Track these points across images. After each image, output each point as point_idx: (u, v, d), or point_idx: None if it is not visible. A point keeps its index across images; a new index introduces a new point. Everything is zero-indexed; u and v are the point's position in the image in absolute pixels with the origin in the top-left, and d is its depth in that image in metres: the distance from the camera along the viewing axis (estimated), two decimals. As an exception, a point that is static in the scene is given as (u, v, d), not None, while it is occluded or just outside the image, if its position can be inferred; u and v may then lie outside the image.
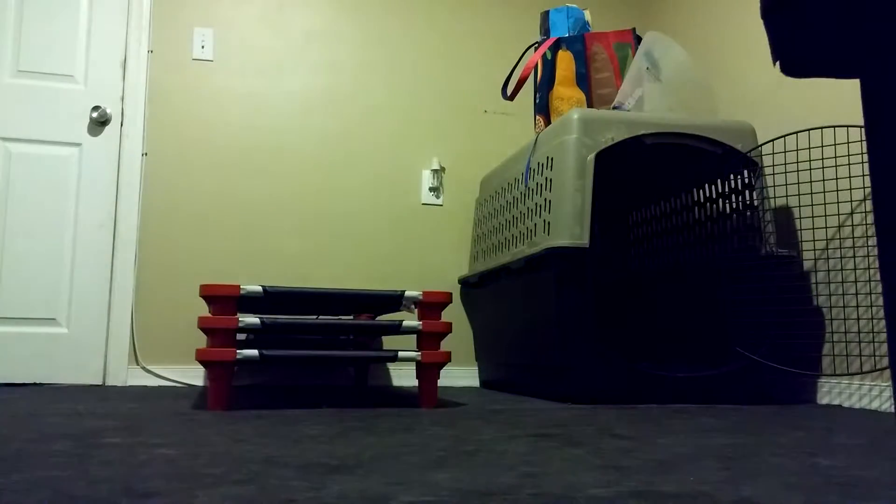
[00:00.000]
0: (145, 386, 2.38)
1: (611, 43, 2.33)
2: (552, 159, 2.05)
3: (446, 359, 1.81)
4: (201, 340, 2.43)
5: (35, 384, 2.32)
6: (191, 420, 1.44)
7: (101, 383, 2.42)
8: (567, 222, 1.95)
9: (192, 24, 2.60)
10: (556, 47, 2.31)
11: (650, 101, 2.16)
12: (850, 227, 1.96)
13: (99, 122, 2.50)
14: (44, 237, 2.42)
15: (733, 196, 2.15)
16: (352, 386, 2.52)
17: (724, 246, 2.18)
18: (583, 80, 2.29)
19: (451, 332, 1.83)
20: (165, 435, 1.21)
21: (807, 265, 2.10)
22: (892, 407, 1.78)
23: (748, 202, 2.10)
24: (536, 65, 2.36)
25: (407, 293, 1.81)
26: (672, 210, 2.47)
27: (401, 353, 1.77)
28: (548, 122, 2.29)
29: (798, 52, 0.61)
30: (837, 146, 1.96)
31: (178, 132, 2.55)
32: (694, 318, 2.27)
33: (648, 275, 2.57)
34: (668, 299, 2.43)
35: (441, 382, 1.85)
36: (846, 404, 1.94)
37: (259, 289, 1.70)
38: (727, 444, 1.18)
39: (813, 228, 2.05)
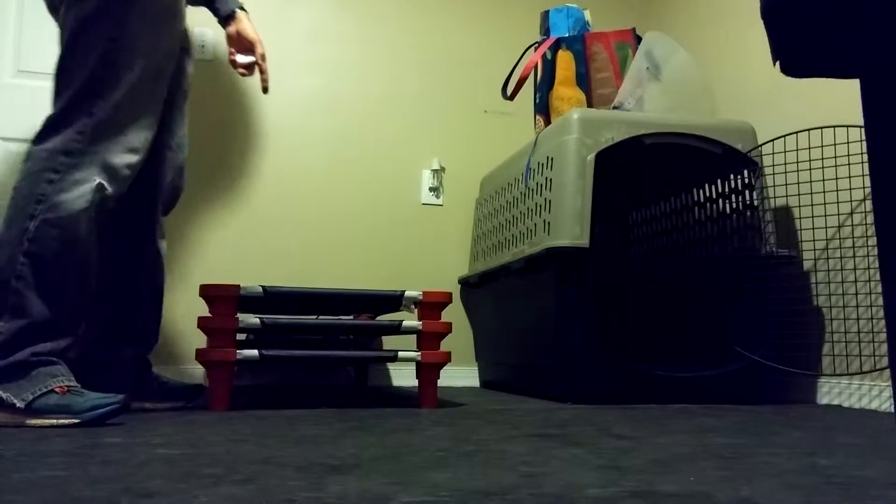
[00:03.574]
0: (145, 386, 2.38)
1: (611, 43, 2.33)
2: (552, 159, 2.05)
3: (446, 359, 1.81)
4: (201, 340, 2.43)
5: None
6: (191, 420, 1.44)
7: (101, 383, 2.42)
8: (567, 222, 1.95)
9: (191, 24, 2.60)
10: (556, 47, 2.31)
11: (650, 101, 2.16)
12: (850, 227, 1.96)
13: (99, 122, 2.50)
14: (44, 237, 2.41)
15: (733, 196, 2.15)
16: (352, 386, 2.53)
17: (723, 246, 2.18)
18: (583, 80, 2.29)
19: (451, 332, 1.84)
20: (165, 435, 1.21)
21: (807, 265, 2.10)
22: (892, 407, 1.78)
23: (748, 202, 2.10)
24: (536, 65, 2.36)
25: (407, 293, 1.81)
26: (672, 210, 2.47)
27: (401, 353, 1.77)
28: (548, 122, 2.29)
29: (798, 53, 0.61)
30: (837, 146, 1.96)
31: (178, 132, 2.55)
32: (694, 318, 2.27)
33: (648, 275, 2.57)
34: (668, 299, 2.43)
35: (441, 382, 1.85)
36: (846, 404, 1.94)
37: (259, 289, 1.70)
38: (727, 444, 1.18)
39: (813, 228, 2.05)
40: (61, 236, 1.38)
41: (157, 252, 1.73)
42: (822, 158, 2.00)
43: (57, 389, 1.34)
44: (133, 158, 1.48)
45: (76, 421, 1.33)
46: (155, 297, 1.74)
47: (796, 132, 2.04)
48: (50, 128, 1.41)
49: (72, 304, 1.41)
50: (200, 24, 2.61)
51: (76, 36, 1.42)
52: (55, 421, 1.32)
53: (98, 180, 1.42)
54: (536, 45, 2.40)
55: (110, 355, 1.64)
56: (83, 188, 1.40)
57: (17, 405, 1.30)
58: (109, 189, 1.44)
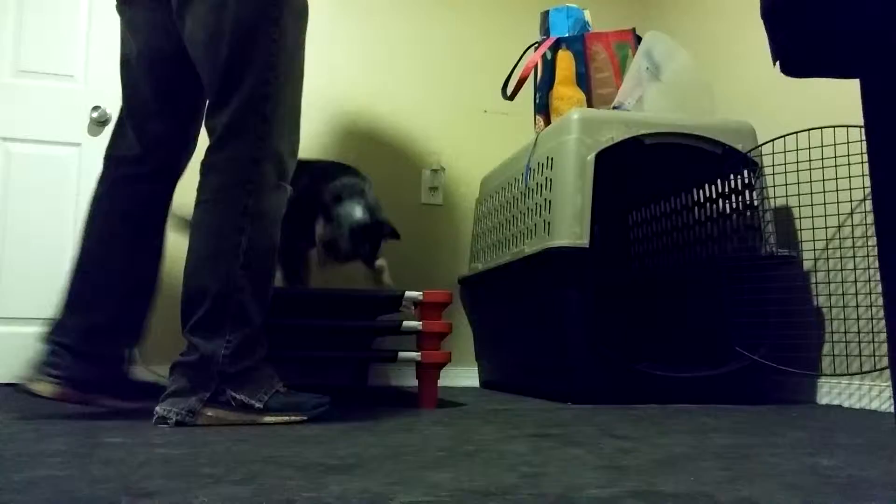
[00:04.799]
0: (145, 386, 2.37)
1: (611, 43, 2.33)
2: (552, 159, 2.05)
3: (446, 359, 1.81)
4: (201, 340, 2.43)
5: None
6: (191, 420, 1.44)
7: (101, 383, 2.42)
8: (567, 222, 1.95)
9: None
10: (556, 47, 2.31)
11: (650, 101, 2.16)
12: (850, 227, 1.96)
13: (99, 122, 2.50)
14: (44, 237, 2.41)
15: (733, 196, 2.15)
16: (352, 386, 2.52)
17: (724, 246, 2.18)
18: (583, 79, 2.29)
19: (451, 332, 1.83)
20: (165, 435, 1.21)
21: (807, 265, 2.10)
22: (892, 407, 1.78)
23: (748, 202, 2.10)
24: (536, 65, 2.36)
25: (407, 293, 1.81)
26: (672, 210, 2.46)
27: (401, 354, 1.77)
28: (548, 122, 2.29)
29: (798, 53, 0.61)
30: (837, 146, 1.96)
31: (178, 132, 2.54)
32: (694, 318, 2.27)
33: (648, 275, 2.57)
34: (668, 299, 2.43)
35: (441, 382, 1.85)
36: (846, 404, 1.94)
37: (259, 289, 1.70)
38: (727, 444, 1.18)
39: (813, 228, 2.05)
40: (268, 245, 1.44)
41: (162, 245, 1.68)
42: (822, 158, 2.00)
43: (281, 390, 1.42)
44: (294, 162, 1.51)
45: (304, 418, 1.42)
46: (150, 289, 1.68)
47: (796, 132, 2.04)
48: (229, 135, 1.42)
49: (269, 305, 1.47)
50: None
51: (240, 38, 1.41)
52: (287, 418, 1.41)
53: (285, 186, 1.47)
54: (536, 45, 2.40)
55: (97, 348, 1.55)
56: (278, 195, 1.45)
57: (256, 406, 1.37)
58: (289, 190, 1.49)
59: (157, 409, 1.35)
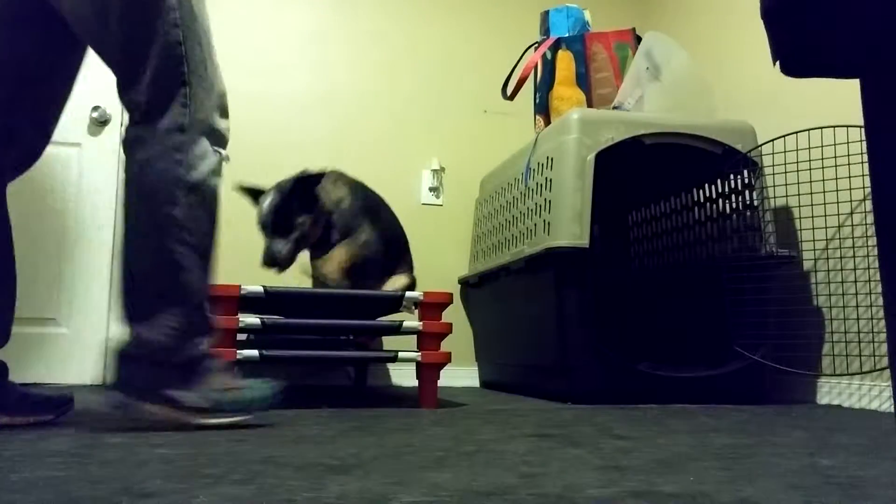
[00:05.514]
0: (145, 386, 2.37)
1: (611, 43, 2.33)
2: (552, 159, 2.05)
3: (446, 359, 1.81)
4: (201, 340, 2.43)
5: (35, 384, 2.32)
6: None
7: (101, 383, 2.42)
8: (567, 222, 1.95)
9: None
10: (555, 47, 2.31)
11: (650, 101, 2.16)
12: (850, 227, 1.96)
13: (99, 122, 2.50)
14: (44, 237, 2.41)
15: (733, 196, 2.15)
16: (352, 386, 2.52)
17: (724, 246, 2.18)
18: (583, 80, 2.29)
19: (451, 332, 1.83)
20: (165, 435, 1.21)
21: (807, 265, 2.10)
22: (892, 407, 1.78)
23: (748, 202, 2.10)
24: (536, 65, 2.36)
25: (407, 294, 1.81)
26: (672, 210, 2.46)
27: (401, 354, 1.77)
28: (548, 122, 2.29)
29: (798, 53, 0.61)
30: (837, 146, 1.96)
31: (178, 132, 2.54)
32: (694, 318, 2.27)
33: (648, 275, 2.57)
34: (668, 299, 2.43)
35: (441, 382, 1.85)
36: (846, 404, 1.94)
37: (260, 289, 1.70)
38: (727, 444, 1.18)
39: (813, 228, 2.05)
40: (206, 216, 1.32)
41: (7, 218, 1.45)
42: (822, 158, 2.00)
43: (229, 385, 1.31)
44: (228, 122, 1.39)
45: (250, 417, 1.32)
46: (8, 275, 1.42)
47: (796, 132, 2.04)
48: (151, 108, 1.30)
49: (212, 285, 1.35)
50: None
51: (131, 3, 1.27)
52: (233, 418, 1.31)
53: (217, 150, 1.35)
54: (536, 45, 2.40)
55: None
56: (209, 161, 1.32)
57: (202, 405, 1.27)
58: (225, 156, 1.38)
59: (102, 400, 1.28)
